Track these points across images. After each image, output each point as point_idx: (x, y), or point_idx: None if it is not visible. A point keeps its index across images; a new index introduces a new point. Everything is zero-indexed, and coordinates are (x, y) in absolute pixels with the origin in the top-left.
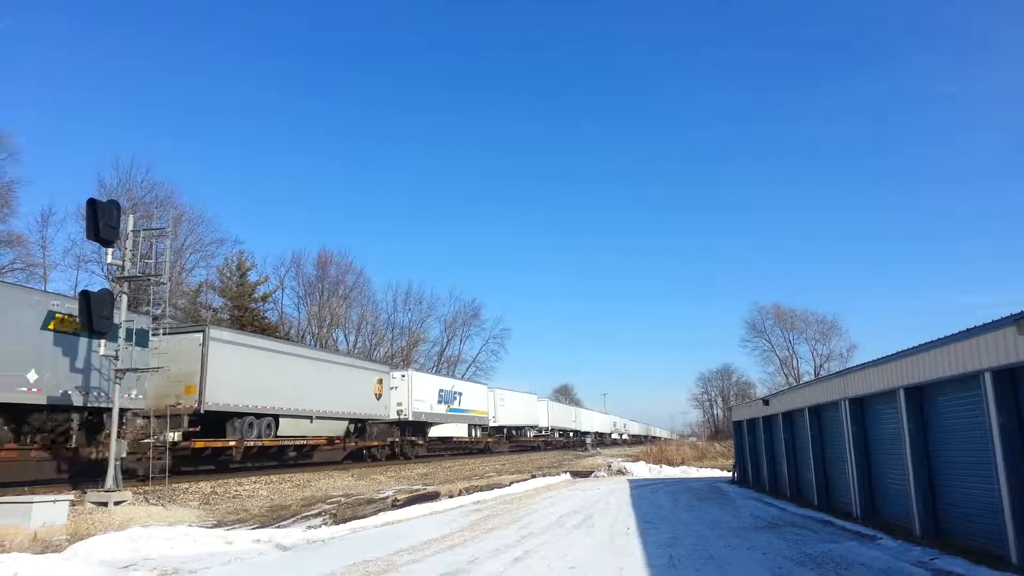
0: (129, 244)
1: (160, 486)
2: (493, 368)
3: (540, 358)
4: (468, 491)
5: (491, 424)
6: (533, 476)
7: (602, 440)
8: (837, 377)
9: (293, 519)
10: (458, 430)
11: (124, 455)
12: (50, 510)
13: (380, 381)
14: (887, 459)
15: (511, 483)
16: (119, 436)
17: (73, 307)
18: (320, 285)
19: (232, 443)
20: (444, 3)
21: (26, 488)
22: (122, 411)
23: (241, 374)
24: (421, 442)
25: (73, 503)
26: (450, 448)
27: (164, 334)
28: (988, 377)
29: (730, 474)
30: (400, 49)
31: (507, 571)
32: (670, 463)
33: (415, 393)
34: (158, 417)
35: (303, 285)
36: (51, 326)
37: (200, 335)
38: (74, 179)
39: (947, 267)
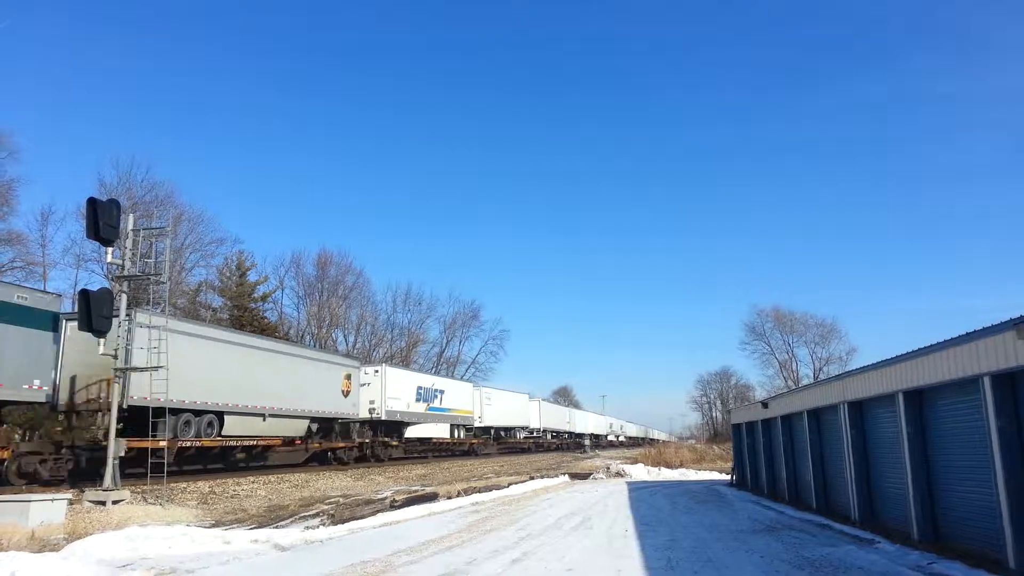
0: (129, 243)
1: (158, 485)
2: (492, 369)
3: (539, 359)
4: (467, 492)
5: (477, 424)
6: (531, 478)
7: (598, 442)
8: (836, 380)
9: (291, 519)
10: (439, 430)
11: (123, 454)
12: (48, 509)
13: (348, 377)
14: (886, 463)
15: (509, 484)
16: (117, 436)
17: None
18: (320, 285)
19: (163, 443)
20: (444, 3)
21: (24, 486)
22: (13, 404)
23: (176, 364)
24: (396, 443)
25: (71, 502)
26: (430, 450)
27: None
28: (987, 381)
29: (729, 477)
30: (400, 49)
31: (505, 572)
32: (669, 465)
33: (389, 390)
34: (75, 413)
35: (303, 285)
36: None
37: (124, 319)
38: (74, 178)
39: (947, 269)
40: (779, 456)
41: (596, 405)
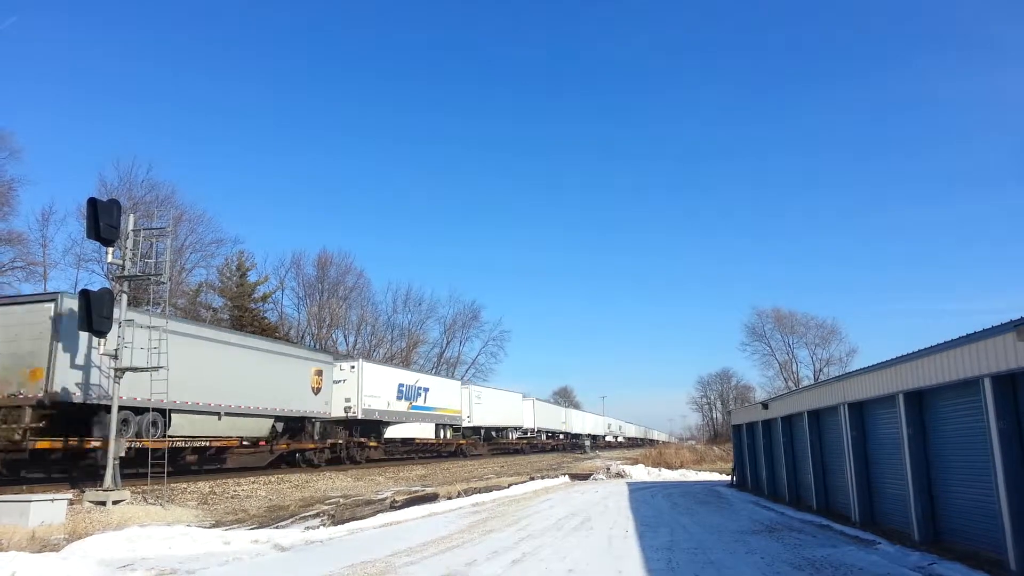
0: (129, 243)
1: (159, 485)
2: (492, 370)
3: (539, 360)
4: (467, 493)
5: (465, 424)
6: (532, 478)
7: (596, 443)
8: (836, 382)
9: (291, 520)
10: (423, 430)
11: (123, 454)
12: (48, 509)
13: (319, 372)
14: (886, 464)
15: (510, 485)
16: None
17: None
18: (320, 286)
19: (96, 443)
20: (444, 3)
21: (24, 486)
22: None
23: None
24: (374, 444)
25: (71, 502)
26: (413, 451)
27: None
28: (988, 383)
29: (729, 478)
30: (400, 49)
31: (505, 573)
32: (669, 466)
33: (367, 387)
34: None
35: (303, 285)
36: None
37: (51, 305)
38: (75, 178)
39: (948, 270)
40: (779, 457)
41: (596, 406)
